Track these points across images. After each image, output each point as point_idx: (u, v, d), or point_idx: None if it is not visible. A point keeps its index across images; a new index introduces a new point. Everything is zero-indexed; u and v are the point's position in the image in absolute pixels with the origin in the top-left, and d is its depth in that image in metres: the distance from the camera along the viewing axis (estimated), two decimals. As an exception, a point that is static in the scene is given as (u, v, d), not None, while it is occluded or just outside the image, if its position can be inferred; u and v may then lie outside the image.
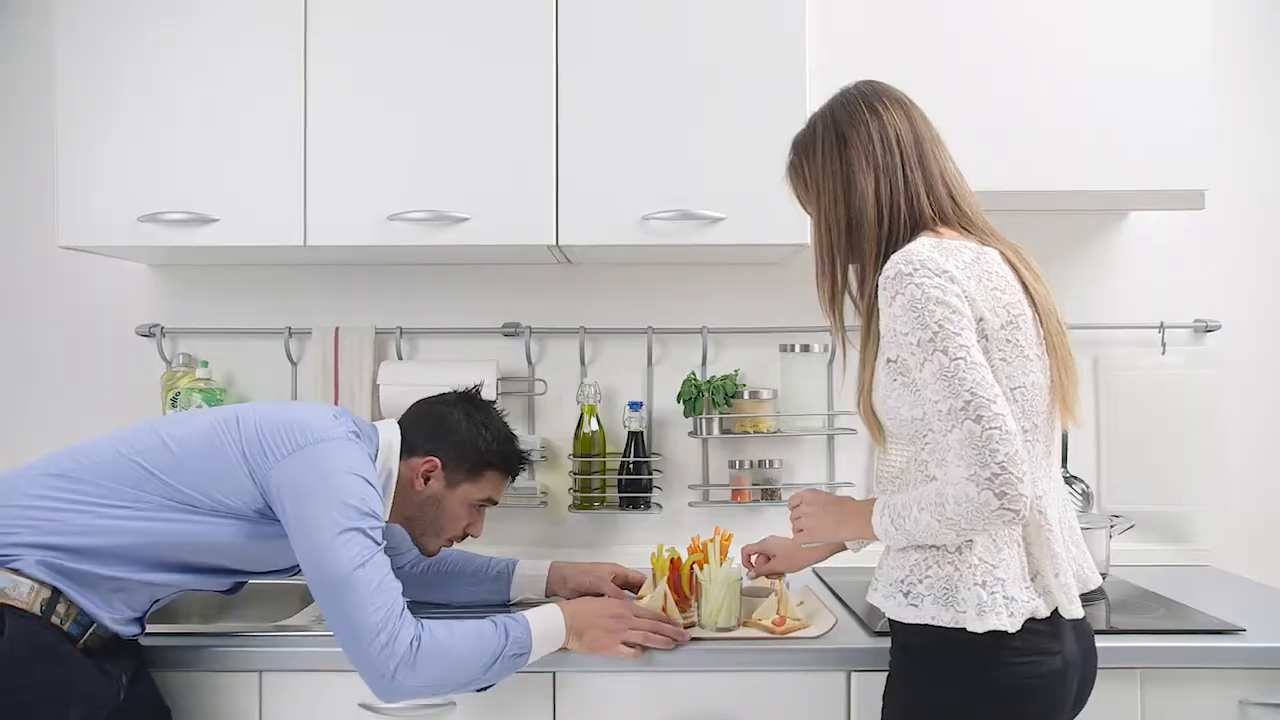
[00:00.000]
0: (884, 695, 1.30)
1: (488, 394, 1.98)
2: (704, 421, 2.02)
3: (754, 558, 1.66)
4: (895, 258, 1.19)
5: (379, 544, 1.33)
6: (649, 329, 2.09)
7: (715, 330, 2.09)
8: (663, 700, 1.49)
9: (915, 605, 1.21)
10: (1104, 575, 1.79)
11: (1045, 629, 1.19)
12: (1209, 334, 2.10)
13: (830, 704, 1.48)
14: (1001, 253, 1.25)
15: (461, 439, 1.51)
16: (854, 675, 1.48)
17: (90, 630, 1.30)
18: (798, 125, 1.71)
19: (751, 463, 2.07)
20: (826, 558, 1.59)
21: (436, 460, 1.50)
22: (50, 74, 1.81)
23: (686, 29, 1.76)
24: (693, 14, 1.75)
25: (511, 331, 2.10)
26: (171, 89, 1.77)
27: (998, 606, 1.16)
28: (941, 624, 1.18)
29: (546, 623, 1.40)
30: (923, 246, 1.19)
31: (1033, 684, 1.18)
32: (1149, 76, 1.78)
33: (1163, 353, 2.08)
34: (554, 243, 1.77)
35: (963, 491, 1.10)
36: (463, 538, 1.57)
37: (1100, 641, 1.45)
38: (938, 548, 1.20)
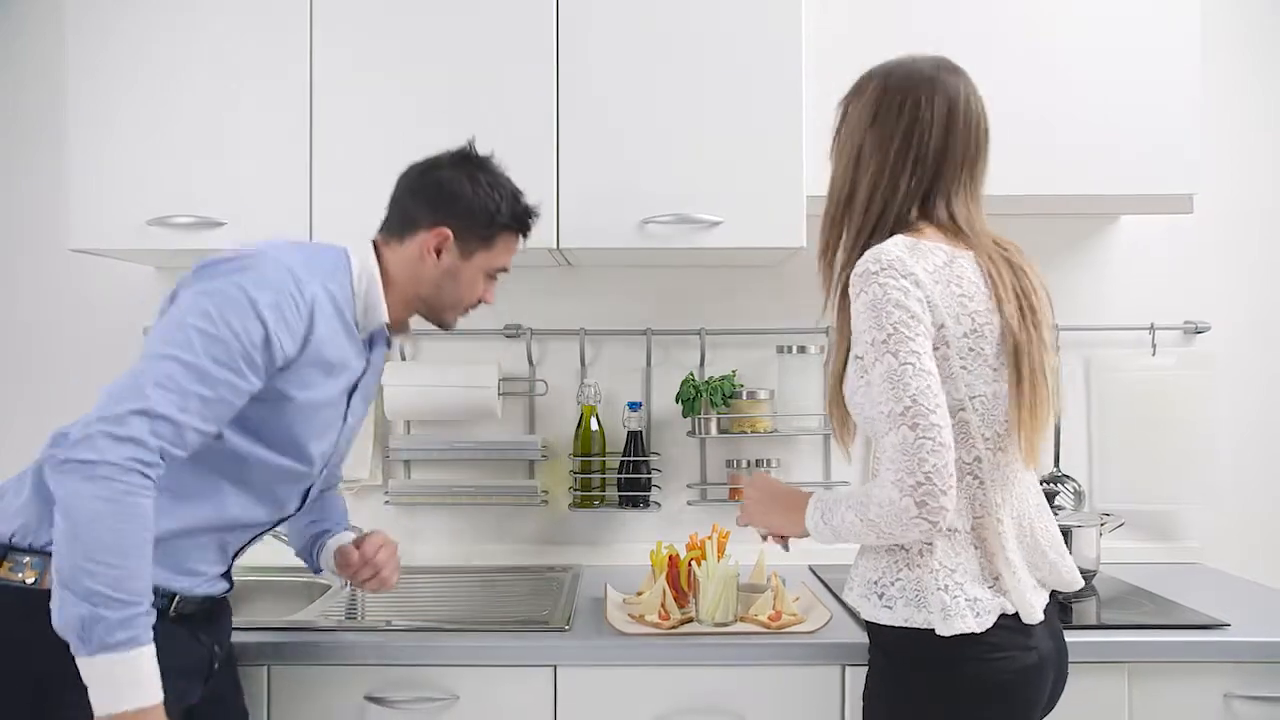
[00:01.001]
0: (864, 693, 1.32)
1: (489, 393, 2.02)
2: (702, 421, 2.04)
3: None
4: (867, 255, 1.19)
5: (226, 372, 1.15)
6: (648, 331, 2.11)
7: (713, 332, 2.11)
8: (661, 692, 1.51)
9: (889, 607, 1.22)
10: (1094, 572, 1.82)
11: (1017, 625, 1.21)
12: (1199, 335, 2.12)
13: (825, 697, 1.50)
14: (985, 261, 1.23)
15: (470, 204, 1.38)
16: (848, 669, 1.50)
17: (174, 601, 1.25)
18: (793, 131, 1.76)
19: (749, 462, 2.09)
20: None
21: (446, 230, 1.37)
22: (61, 81, 1.85)
23: (684, 38, 1.77)
24: (690, 23, 1.77)
25: (513, 333, 2.12)
26: (179, 95, 1.79)
27: (962, 609, 1.17)
28: (914, 625, 1.19)
29: (141, 674, 1.07)
30: (894, 246, 1.18)
31: (1010, 679, 1.19)
32: (1139, 84, 1.80)
33: (1153, 354, 2.10)
34: (554, 246, 1.79)
35: (886, 495, 1.11)
36: (476, 305, 1.47)
37: (1088, 636, 1.50)
38: (905, 549, 1.21)
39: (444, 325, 1.48)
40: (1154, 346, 2.11)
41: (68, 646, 1.05)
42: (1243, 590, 1.85)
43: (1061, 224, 2.11)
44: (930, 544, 1.19)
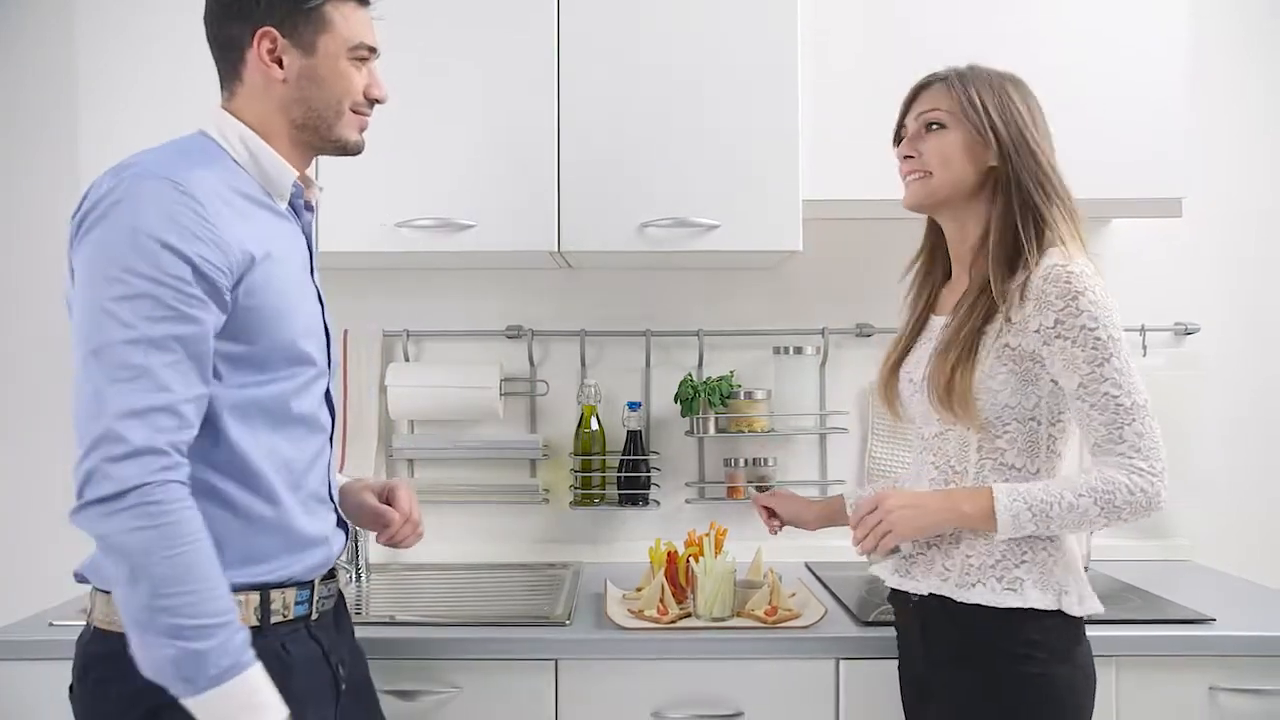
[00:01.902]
0: (966, 696, 1.27)
1: (491, 394, 2.05)
2: (700, 421, 2.07)
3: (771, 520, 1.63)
4: (1067, 259, 1.22)
5: (169, 325, 1.01)
6: (647, 332, 2.14)
7: (711, 333, 2.14)
8: (660, 686, 1.54)
9: (1013, 589, 1.23)
10: (1085, 569, 1.85)
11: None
12: (1189, 336, 2.15)
13: (820, 690, 1.53)
14: None
15: None
16: (843, 663, 1.53)
17: (313, 595, 1.19)
18: (788, 141, 1.78)
19: (746, 461, 2.12)
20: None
21: (269, 29, 1.16)
22: (71, 82, 1.87)
23: (683, 46, 1.80)
24: (689, 32, 1.80)
25: (514, 334, 2.14)
26: (188, 101, 1.80)
27: (1088, 593, 1.26)
28: (1041, 607, 1.23)
29: (257, 694, 1.01)
30: (1084, 261, 1.25)
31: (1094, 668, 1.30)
32: (1128, 91, 1.83)
33: (1144, 354, 2.13)
34: (555, 249, 1.81)
35: (1139, 484, 1.18)
36: (371, 105, 1.25)
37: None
38: (1032, 537, 1.25)
39: (345, 146, 1.24)
40: (1145, 347, 2.13)
41: None
42: (1231, 587, 1.88)
43: (1054, 227, 2.14)
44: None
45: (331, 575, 1.26)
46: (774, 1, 1.79)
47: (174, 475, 1.00)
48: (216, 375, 1.08)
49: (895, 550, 1.34)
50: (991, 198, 1.30)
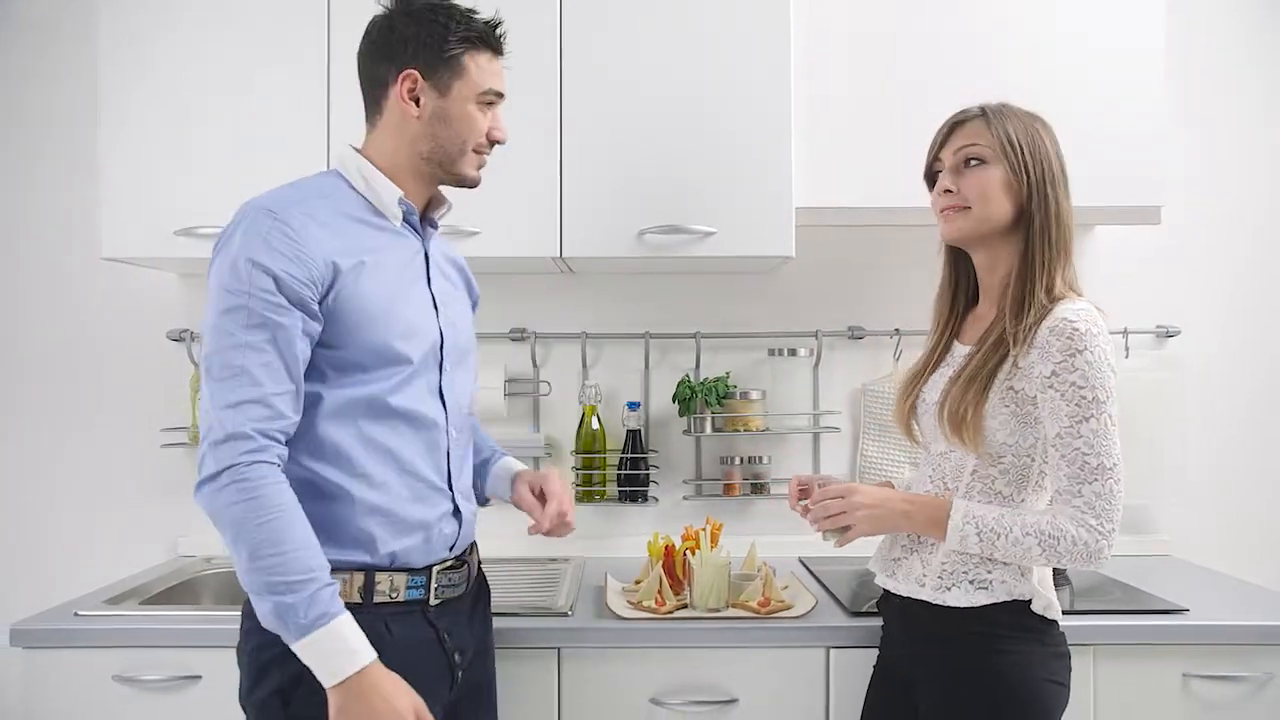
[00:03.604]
0: (942, 690, 1.34)
1: (496, 394, 2.11)
2: (697, 420, 2.12)
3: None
4: (1079, 313, 1.25)
5: (262, 332, 1.15)
6: (646, 334, 2.19)
7: (708, 336, 2.19)
8: (658, 673, 1.59)
9: (985, 588, 1.30)
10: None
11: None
12: (1170, 339, 2.21)
13: (810, 677, 1.59)
14: None
15: (420, 36, 1.29)
16: (832, 651, 1.59)
17: (430, 581, 1.29)
18: (781, 152, 1.83)
19: (742, 459, 2.17)
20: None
21: (411, 71, 1.29)
22: (94, 98, 1.93)
23: (680, 59, 1.85)
24: (685, 51, 1.85)
25: (518, 336, 2.20)
26: (204, 114, 1.87)
27: (1051, 599, 1.32)
28: (1017, 596, 1.30)
29: (346, 643, 1.13)
30: (1095, 312, 1.27)
31: (1070, 656, 1.37)
32: (1108, 103, 1.89)
33: (1126, 356, 2.19)
34: (558, 255, 1.86)
35: (1086, 536, 1.23)
36: (491, 146, 1.37)
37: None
38: None
39: (465, 180, 1.36)
40: (1127, 350, 2.19)
41: None
42: (1207, 579, 1.94)
43: (1039, 233, 2.20)
44: None
45: (460, 564, 1.36)
46: (767, 21, 1.84)
47: (262, 456, 1.14)
48: (321, 378, 1.22)
49: (845, 530, 1.38)
50: (1022, 235, 1.34)
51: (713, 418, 2.12)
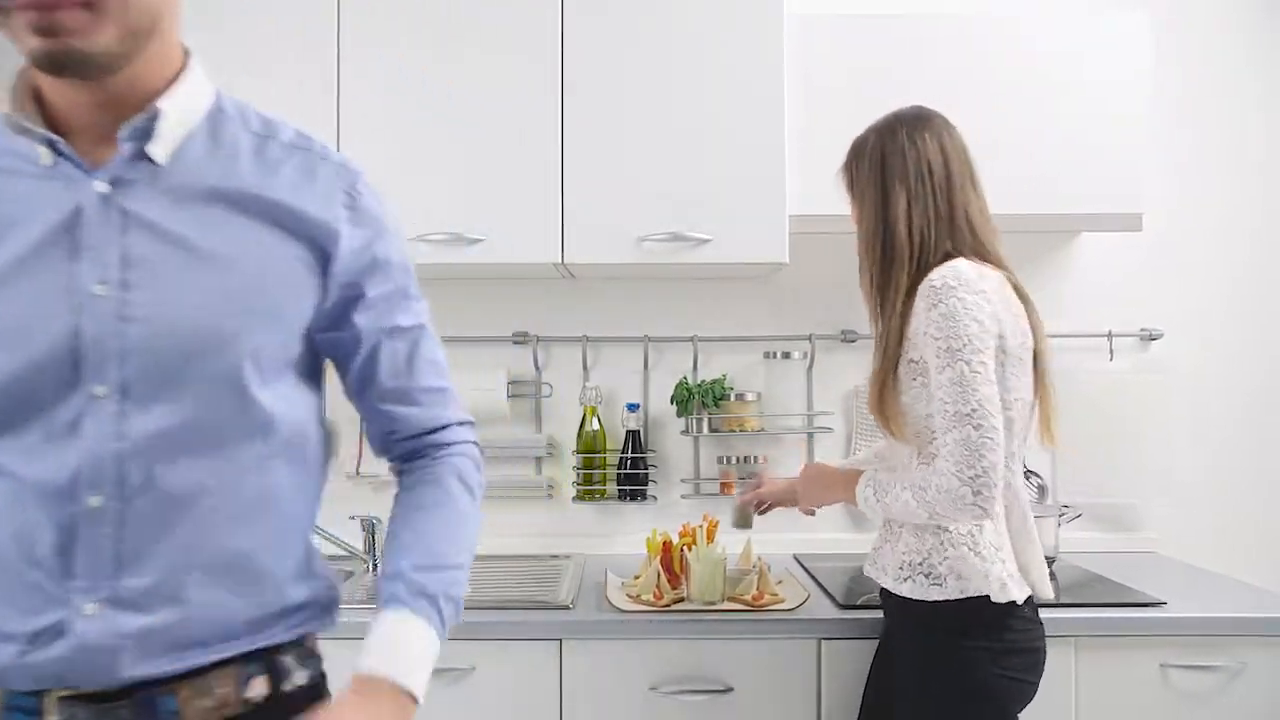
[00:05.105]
0: (907, 669, 1.41)
1: (499, 395, 2.16)
2: (695, 421, 2.17)
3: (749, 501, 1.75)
4: (942, 271, 1.33)
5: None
6: (645, 338, 2.24)
7: (705, 339, 2.24)
8: (656, 664, 1.65)
9: (939, 584, 1.34)
10: (1053, 559, 1.95)
11: (1032, 615, 1.39)
12: (1153, 342, 2.27)
13: (803, 667, 1.65)
14: (1013, 283, 1.41)
15: None
16: (824, 643, 1.64)
17: (39, 701, 0.86)
18: (776, 162, 1.89)
19: (738, 458, 2.23)
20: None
21: None
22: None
23: (678, 77, 1.90)
24: (683, 63, 1.90)
25: (520, 340, 2.25)
26: None
27: (1016, 580, 1.34)
28: (968, 595, 1.33)
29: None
30: (965, 266, 1.34)
31: (1039, 648, 1.38)
32: (1092, 114, 1.94)
33: (1111, 359, 2.24)
34: (559, 261, 1.91)
35: (947, 483, 1.27)
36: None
37: (1040, 613, 1.65)
38: (950, 532, 1.35)
39: (30, 56, 0.81)
40: (1111, 352, 2.25)
41: None
42: (1188, 575, 1.99)
43: (1027, 240, 2.24)
44: (980, 526, 1.35)
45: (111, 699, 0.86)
46: (763, 36, 1.90)
47: None
48: None
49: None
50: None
51: (710, 418, 2.17)
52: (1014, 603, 1.34)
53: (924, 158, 1.41)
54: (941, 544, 1.36)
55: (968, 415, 1.26)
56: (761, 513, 1.76)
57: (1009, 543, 1.38)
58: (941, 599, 1.35)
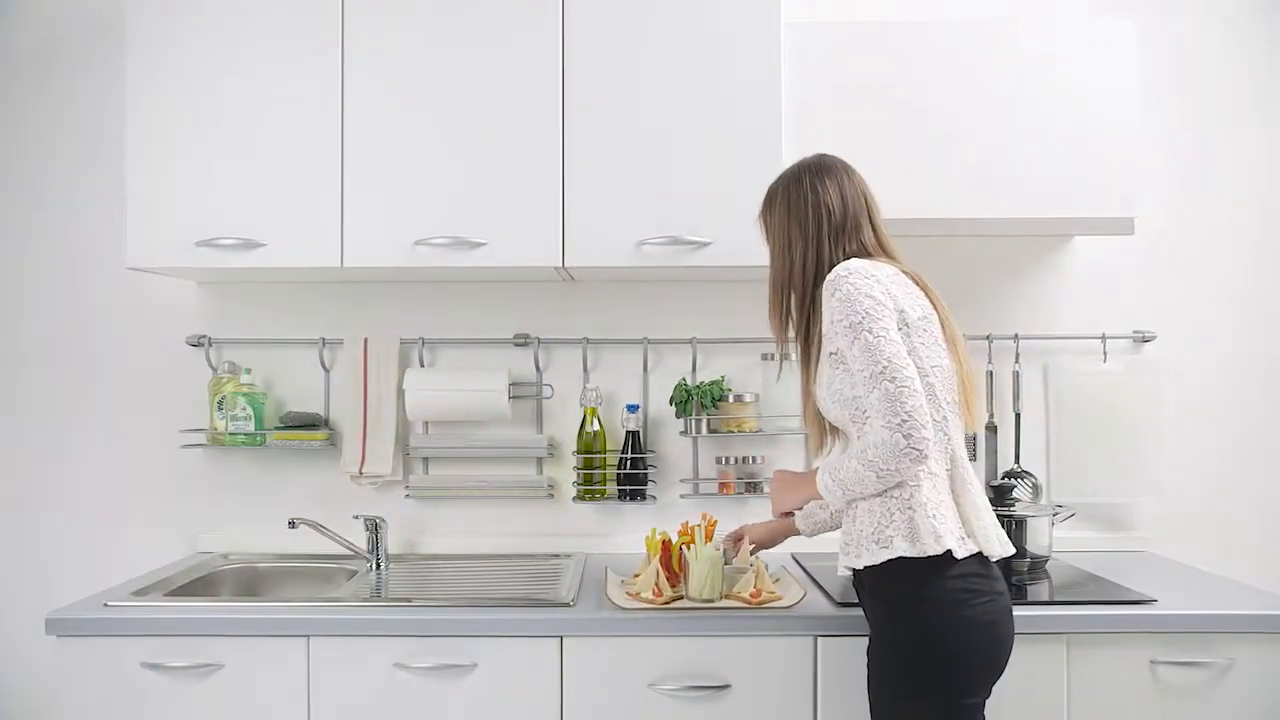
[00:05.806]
0: (871, 649, 1.48)
1: (501, 397, 2.18)
2: (694, 422, 2.19)
3: (730, 544, 1.88)
4: (841, 267, 1.45)
5: None
6: (644, 340, 2.26)
7: (704, 341, 2.26)
8: (655, 660, 1.67)
9: (886, 547, 1.40)
10: (1047, 558, 1.98)
11: (985, 571, 1.42)
12: (1146, 344, 2.29)
13: (800, 664, 1.67)
14: (912, 275, 1.52)
15: None
16: (820, 640, 1.67)
17: None
18: (773, 166, 1.89)
19: (736, 459, 2.25)
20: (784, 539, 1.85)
21: None
22: (120, 115, 2.03)
23: (677, 83, 1.93)
24: (683, 70, 1.93)
25: (521, 342, 2.27)
26: (225, 129, 1.95)
27: (951, 532, 1.39)
28: (911, 555, 1.38)
29: None
30: (857, 261, 1.47)
31: (995, 619, 1.40)
32: (1084, 120, 1.96)
33: (1104, 360, 2.26)
34: (560, 264, 1.94)
35: (879, 436, 1.36)
36: None
37: (1032, 611, 1.67)
38: (897, 497, 1.40)
39: None
40: (1105, 354, 2.27)
41: None
42: (1179, 573, 2.01)
43: (1022, 244, 2.28)
44: (919, 485, 1.40)
45: None
46: (760, 43, 1.93)
47: None
48: None
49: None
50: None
51: (708, 419, 2.19)
52: (951, 554, 1.38)
53: (823, 202, 1.54)
54: (889, 510, 1.42)
55: (880, 373, 1.36)
56: (752, 553, 1.85)
57: (950, 502, 1.43)
58: (887, 559, 1.40)
